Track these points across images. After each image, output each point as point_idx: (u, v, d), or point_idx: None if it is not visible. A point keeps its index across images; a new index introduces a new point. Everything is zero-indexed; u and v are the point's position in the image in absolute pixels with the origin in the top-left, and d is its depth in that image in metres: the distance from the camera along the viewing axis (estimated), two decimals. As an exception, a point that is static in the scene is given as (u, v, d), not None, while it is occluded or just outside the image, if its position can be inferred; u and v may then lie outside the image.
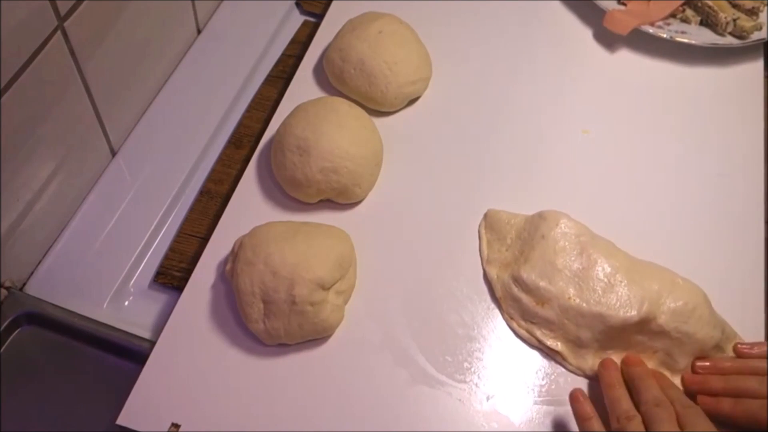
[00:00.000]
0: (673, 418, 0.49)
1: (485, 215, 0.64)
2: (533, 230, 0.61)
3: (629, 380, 0.54)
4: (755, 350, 0.56)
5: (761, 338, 0.59)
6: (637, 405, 0.52)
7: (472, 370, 0.57)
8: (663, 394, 0.51)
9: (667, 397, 0.51)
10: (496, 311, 0.60)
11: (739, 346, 0.56)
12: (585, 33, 0.80)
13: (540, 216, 0.61)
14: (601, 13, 0.78)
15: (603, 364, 0.56)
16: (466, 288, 0.61)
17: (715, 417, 0.51)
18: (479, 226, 0.64)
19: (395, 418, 0.55)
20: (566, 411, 0.55)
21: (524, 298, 0.58)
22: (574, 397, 0.53)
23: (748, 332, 0.58)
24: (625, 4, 0.79)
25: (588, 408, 0.52)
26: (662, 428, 0.48)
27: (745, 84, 0.72)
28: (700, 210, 0.66)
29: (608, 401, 0.53)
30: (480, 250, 0.63)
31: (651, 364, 0.56)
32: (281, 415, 0.55)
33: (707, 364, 0.56)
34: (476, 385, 0.56)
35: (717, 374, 0.55)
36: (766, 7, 0.78)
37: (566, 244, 0.59)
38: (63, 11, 0.57)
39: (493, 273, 0.61)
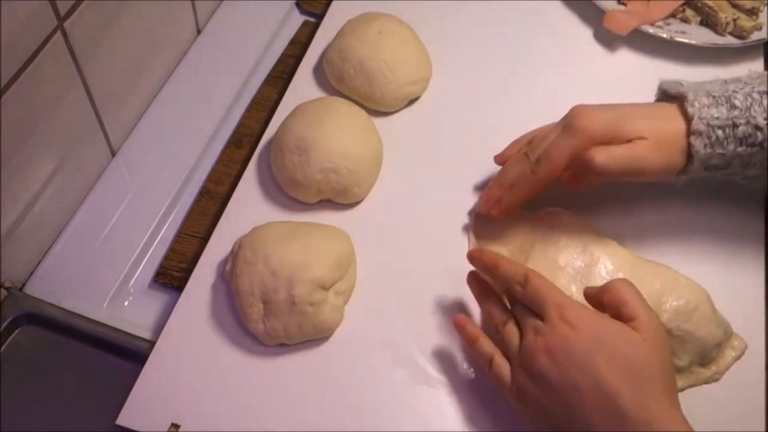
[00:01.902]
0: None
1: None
2: (535, 228, 0.61)
3: (493, 278, 0.55)
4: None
5: (761, 338, 0.59)
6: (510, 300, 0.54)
7: (473, 370, 0.57)
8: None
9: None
10: (496, 311, 0.60)
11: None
12: (585, 33, 0.80)
13: (542, 214, 0.61)
14: (601, 13, 0.78)
15: (468, 278, 0.57)
16: (467, 287, 0.61)
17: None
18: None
19: (395, 418, 0.55)
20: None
21: None
22: (458, 323, 0.55)
23: (748, 332, 0.58)
24: (625, 4, 0.79)
25: (472, 329, 0.54)
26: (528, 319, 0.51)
27: (745, 84, 0.72)
28: (700, 209, 0.66)
29: (484, 315, 0.55)
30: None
31: None
32: (281, 415, 0.55)
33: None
34: (476, 385, 0.56)
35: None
36: (766, 7, 0.78)
37: (568, 242, 0.59)
38: (63, 11, 0.57)
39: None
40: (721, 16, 0.76)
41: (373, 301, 0.60)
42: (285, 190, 0.65)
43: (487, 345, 0.53)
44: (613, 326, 0.48)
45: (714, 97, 0.55)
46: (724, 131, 0.54)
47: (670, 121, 0.56)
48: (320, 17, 0.81)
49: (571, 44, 0.79)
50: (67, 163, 0.64)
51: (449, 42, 0.78)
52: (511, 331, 0.52)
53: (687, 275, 0.58)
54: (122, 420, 0.53)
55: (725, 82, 0.57)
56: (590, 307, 0.51)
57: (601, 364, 0.46)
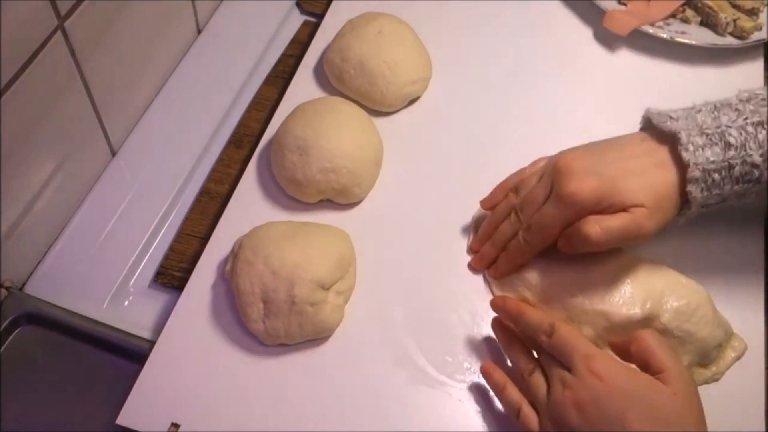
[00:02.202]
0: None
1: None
2: None
3: (517, 326, 0.55)
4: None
5: (761, 338, 0.59)
6: (536, 349, 0.54)
7: (472, 370, 0.57)
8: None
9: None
10: (496, 311, 0.60)
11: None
12: (585, 33, 0.80)
13: None
14: (601, 13, 0.78)
15: (493, 324, 0.57)
16: (467, 287, 0.61)
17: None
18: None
19: (395, 418, 0.55)
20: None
21: (528, 296, 0.58)
22: (485, 372, 0.54)
23: (748, 333, 0.58)
24: (625, 4, 0.79)
25: (499, 378, 0.53)
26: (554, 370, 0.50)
27: (745, 84, 0.71)
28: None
29: (510, 362, 0.55)
30: None
31: None
32: (281, 415, 0.55)
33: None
34: (476, 385, 0.56)
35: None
36: (766, 8, 0.78)
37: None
38: (63, 11, 0.57)
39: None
40: (721, 16, 0.76)
41: (373, 301, 0.60)
42: (285, 190, 0.65)
43: (515, 394, 0.52)
44: (643, 379, 0.47)
45: (707, 135, 0.52)
46: (720, 174, 0.52)
47: (665, 173, 0.53)
48: (320, 17, 0.81)
49: (571, 44, 0.79)
50: (67, 163, 0.64)
51: (449, 42, 0.78)
52: (538, 380, 0.51)
53: (687, 276, 0.58)
54: (122, 420, 0.53)
55: (715, 109, 0.54)
56: (617, 358, 0.50)
57: (633, 420, 0.45)
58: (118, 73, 0.68)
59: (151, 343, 0.58)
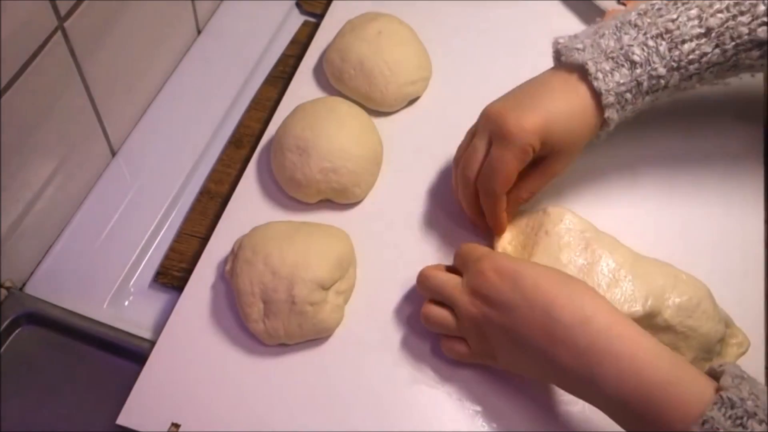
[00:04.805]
0: None
1: None
2: (537, 226, 0.61)
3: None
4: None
5: (761, 337, 0.59)
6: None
7: (472, 370, 0.57)
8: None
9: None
10: (496, 311, 0.60)
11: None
12: (585, 33, 0.80)
13: (544, 212, 0.61)
14: (601, 13, 0.78)
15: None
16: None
17: None
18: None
19: (395, 418, 0.55)
20: (568, 410, 0.55)
21: None
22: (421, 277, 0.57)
23: (748, 332, 0.58)
24: (625, 4, 0.79)
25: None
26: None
27: (745, 83, 0.72)
28: (699, 209, 0.66)
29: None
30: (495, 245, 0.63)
31: None
32: (281, 415, 0.55)
33: None
34: (476, 384, 0.56)
35: None
36: (765, 7, 0.78)
37: (570, 239, 0.59)
38: (63, 11, 0.57)
39: None
40: (721, 16, 0.76)
41: (373, 301, 0.60)
42: (285, 190, 0.65)
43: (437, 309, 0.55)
44: (525, 260, 0.53)
45: (613, 58, 0.55)
46: (631, 92, 0.55)
47: (582, 101, 0.56)
48: (320, 17, 0.81)
49: (571, 44, 0.79)
50: (67, 163, 0.64)
51: (449, 42, 0.78)
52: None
53: (687, 272, 0.58)
54: (122, 420, 0.53)
55: (617, 29, 0.56)
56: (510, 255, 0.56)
57: (528, 288, 0.49)
58: (118, 73, 0.68)
59: (151, 343, 0.58)
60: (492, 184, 0.57)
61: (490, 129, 0.57)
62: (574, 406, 0.55)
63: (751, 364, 0.57)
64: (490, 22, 0.80)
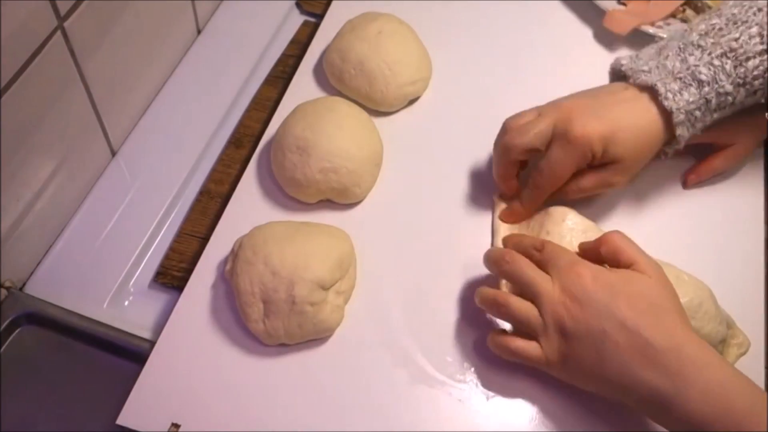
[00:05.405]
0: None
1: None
2: (539, 226, 0.61)
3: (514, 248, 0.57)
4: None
5: (761, 337, 0.59)
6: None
7: (473, 370, 0.57)
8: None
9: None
10: (496, 311, 0.60)
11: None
12: (585, 33, 0.80)
13: (546, 212, 0.61)
14: (601, 13, 0.78)
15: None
16: (467, 287, 0.61)
17: None
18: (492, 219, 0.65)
19: (395, 418, 0.55)
20: (568, 411, 0.55)
21: None
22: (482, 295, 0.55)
23: (748, 332, 0.58)
24: (625, 4, 0.79)
25: (499, 294, 0.55)
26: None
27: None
28: (700, 209, 0.66)
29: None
30: (494, 245, 0.63)
31: None
32: (281, 415, 0.55)
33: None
34: (476, 385, 0.56)
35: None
36: (766, 7, 0.79)
37: (572, 239, 0.59)
38: (63, 11, 0.57)
39: None
40: (721, 16, 0.76)
41: (373, 301, 0.60)
42: (285, 190, 0.65)
43: (519, 303, 0.53)
44: (621, 272, 0.52)
45: (680, 79, 0.57)
46: (700, 110, 0.58)
47: (651, 118, 0.58)
48: (320, 17, 0.81)
49: (571, 44, 0.79)
50: (68, 163, 0.64)
51: (449, 42, 0.78)
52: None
53: (689, 273, 0.58)
54: (122, 420, 0.53)
55: (680, 51, 0.58)
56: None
57: (622, 306, 0.49)
58: (118, 73, 0.68)
59: (151, 343, 0.58)
60: (543, 180, 0.60)
61: (555, 121, 0.59)
62: (574, 405, 0.55)
63: (751, 364, 0.57)
64: (490, 22, 0.80)
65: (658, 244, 0.61)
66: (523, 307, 0.52)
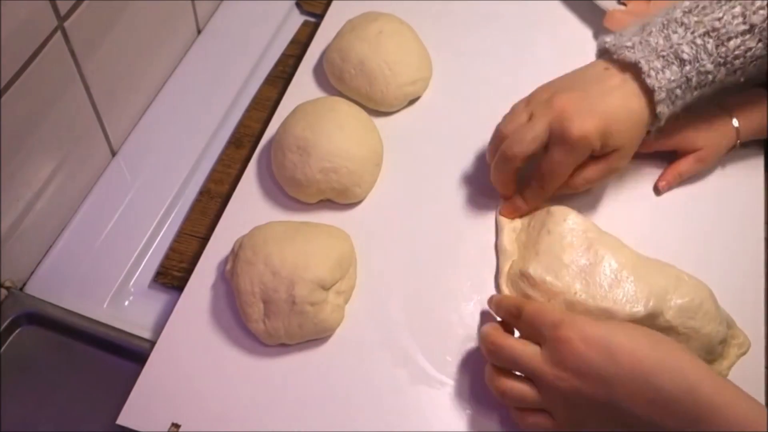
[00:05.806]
0: None
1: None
2: (540, 226, 0.61)
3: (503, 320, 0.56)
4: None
5: (761, 337, 0.59)
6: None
7: (473, 370, 0.57)
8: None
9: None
10: (497, 311, 0.60)
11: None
12: (585, 33, 0.80)
13: (547, 212, 0.61)
14: (601, 13, 0.78)
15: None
16: (467, 287, 0.61)
17: None
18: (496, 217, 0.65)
19: (395, 418, 0.55)
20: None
21: (531, 293, 0.58)
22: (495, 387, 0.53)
23: (748, 332, 0.58)
24: (625, 4, 0.79)
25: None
26: None
27: (744, 82, 0.72)
28: (701, 210, 0.66)
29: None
30: (499, 242, 0.63)
31: None
32: (281, 415, 0.55)
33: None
34: (476, 385, 0.56)
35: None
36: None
37: (573, 239, 0.59)
38: (63, 11, 0.57)
39: (504, 269, 0.61)
40: (721, 16, 0.76)
41: (373, 301, 0.60)
42: (285, 190, 0.65)
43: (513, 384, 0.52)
44: (604, 324, 0.50)
45: (663, 57, 0.57)
46: (681, 88, 0.58)
47: (636, 98, 0.58)
48: (320, 17, 0.81)
49: (571, 44, 0.79)
50: (68, 163, 0.64)
51: (449, 42, 0.78)
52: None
53: (689, 273, 0.58)
54: (122, 420, 0.53)
55: (664, 27, 0.58)
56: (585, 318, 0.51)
57: (623, 362, 0.47)
58: (118, 73, 0.68)
59: (151, 343, 0.58)
60: (546, 180, 0.60)
61: (550, 121, 0.58)
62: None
63: (751, 364, 0.57)
64: (490, 22, 0.80)
65: (658, 244, 0.61)
66: (519, 389, 0.51)
